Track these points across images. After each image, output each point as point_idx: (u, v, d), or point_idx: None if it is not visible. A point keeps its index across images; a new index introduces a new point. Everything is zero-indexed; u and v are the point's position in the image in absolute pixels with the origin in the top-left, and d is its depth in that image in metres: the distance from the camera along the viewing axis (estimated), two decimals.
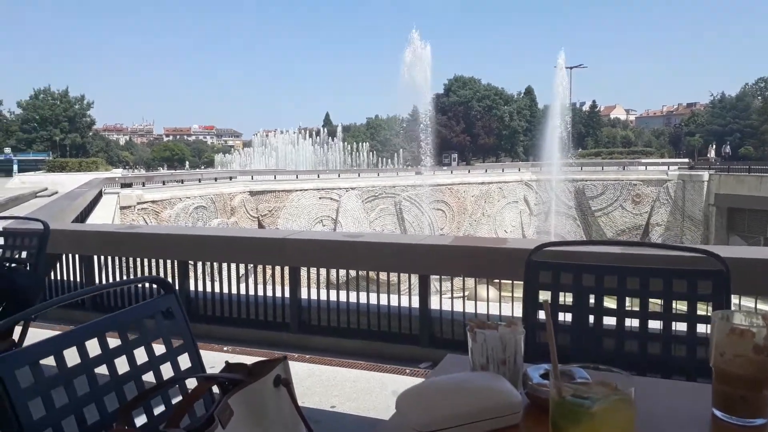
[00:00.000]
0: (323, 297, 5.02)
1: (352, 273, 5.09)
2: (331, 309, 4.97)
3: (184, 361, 1.25)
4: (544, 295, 1.47)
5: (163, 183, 22.47)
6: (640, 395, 1.10)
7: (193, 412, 1.16)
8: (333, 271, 5.11)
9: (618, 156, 43.39)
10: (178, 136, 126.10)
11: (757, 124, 62.54)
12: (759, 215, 26.59)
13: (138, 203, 19.10)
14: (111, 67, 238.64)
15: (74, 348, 1.04)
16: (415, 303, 4.69)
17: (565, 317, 1.52)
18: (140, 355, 1.17)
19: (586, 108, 79.46)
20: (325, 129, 57.62)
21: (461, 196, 30.81)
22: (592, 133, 74.25)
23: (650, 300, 1.47)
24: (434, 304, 4.66)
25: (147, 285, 4.55)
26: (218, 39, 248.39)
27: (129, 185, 21.28)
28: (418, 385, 0.96)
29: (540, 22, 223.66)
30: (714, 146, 48.30)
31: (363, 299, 4.89)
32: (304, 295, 5.10)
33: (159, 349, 1.21)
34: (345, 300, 5.00)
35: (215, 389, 1.08)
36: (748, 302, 3.81)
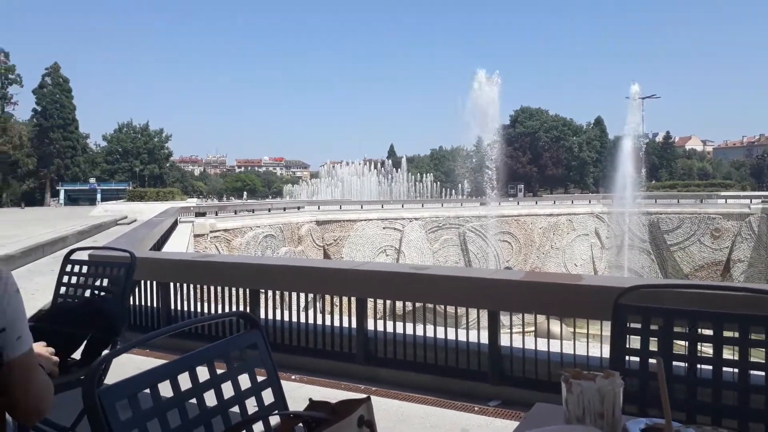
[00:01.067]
0: (389, 329, 4.99)
1: (424, 306, 5.05)
2: (398, 341, 4.93)
3: (267, 396, 1.27)
4: (635, 342, 1.40)
5: (235, 212, 23.26)
6: None
7: None
8: (399, 303, 5.10)
9: (695, 189, 41.44)
10: (249, 167, 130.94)
11: None
12: None
13: (211, 231, 19.80)
14: (188, 101, 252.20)
15: (167, 380, 1.07)
16: (484, 338, 4.59)
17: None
18: (227, 389, 1.19)
19: (659, 139, 76.71)
20: (390, 160, 58.28)
21: (528, 227, 30.16)
22: (666, 164, 71.54)
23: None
24: (504, 340, 4.54)
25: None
26: (288, 73, 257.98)
27: (203, 214, 22.14)
28: None
29: (611, 52, 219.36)
30: None
31: (430, 332, 4.84)
32: (370, 326, 5.10)
33: (244, 382, 1.23)
34: (412, 333, 4.96)
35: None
36: None
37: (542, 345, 4.38)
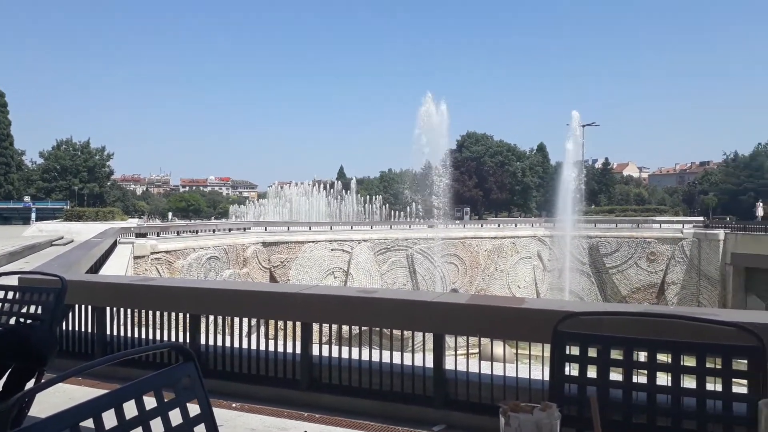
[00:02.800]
0: (335, 354, 4.93)
1: (370, 330, 5.01)
2: (343, 367, 4.87)
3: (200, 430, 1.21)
4: (573, 369, 1.42)
5: (178, 233, 22.65)
6: None
7: None
8: (345, 327, 5.04)
9: (632, 213, 43.22)
10: (194, 187, 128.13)
11: None
12: None
13: (152, 253, 19.19)
14: (132, 119, 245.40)
15: (91, 419, 1.01)
16: (429, 362, 4.59)
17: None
18: (157, 426, 1.13)
19: (598, 165, 79.87)
20: (339, 182, 58.27)
21: (474, 250, 30.68)
22: (605, 190, 74.40)
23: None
24: (449, 363, 4.55)
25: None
26: (234, 93, 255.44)
27: (144, 235, 21.47)
28: None
29: (553, 80, 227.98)
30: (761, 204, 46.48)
31: (375, 357, 4.80)
32: (315, 351, 5.02)
33: (176, 417, 1.18)
34: (357, 358, 4.91)
35: None
36: None
37: (486, 368, 4.42)
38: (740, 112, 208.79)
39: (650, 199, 80.00)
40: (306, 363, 4.94)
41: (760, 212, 45.50)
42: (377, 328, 5.07)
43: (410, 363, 4.66)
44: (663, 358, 1.48)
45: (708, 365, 1.41)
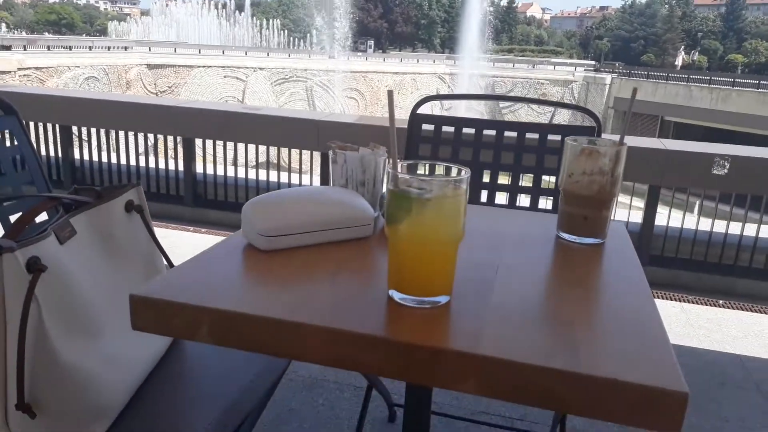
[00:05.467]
0: (220, 172, 4.89)
1: (257, 155, 4.96)
2: (229, 185, 4.87)
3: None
4: (424, 149, 1.47)
5: (48, 48, 20.28)
6: (492, 222, 1.15)
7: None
8: (237, 152, 4.96)
9: (530, 54, 43.96)
10: None
11: (660, 32, 65.01)
12: (650, 119, 28.40)
13: (19, 69, 17.23)
14: None
15: None
16: (317, 182, 4.67)
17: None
18: None
19: (504, 3, 78.74)
20: (233, 1, 53.50)
21: (375, 85, 30.28)
22: (507, 29, 74.27)
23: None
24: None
25: None
26: None
27: (8, 48, 19.05)
28: (267, 194, 0.94)
29: None
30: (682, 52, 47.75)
31: (262, 176, 4.82)
32: (199, 169, 4.95)
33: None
34: (243, 177, 4.92)
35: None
36: None
37: None
38: None
39: (549, 41, 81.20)
40: (189, 180, 4.88)
41: (679, 61, 47.31)
42: (267, 154, 5.01)
43: (297, 182, 4.73)
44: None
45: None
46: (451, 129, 1.58)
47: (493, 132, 1.49)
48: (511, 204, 1.53)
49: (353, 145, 1.00)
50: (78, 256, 0.89)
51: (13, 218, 1.05)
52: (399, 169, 0.68)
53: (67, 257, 0.86)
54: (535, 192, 1.50)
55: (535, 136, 1.50)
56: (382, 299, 0.74)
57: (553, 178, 1.53)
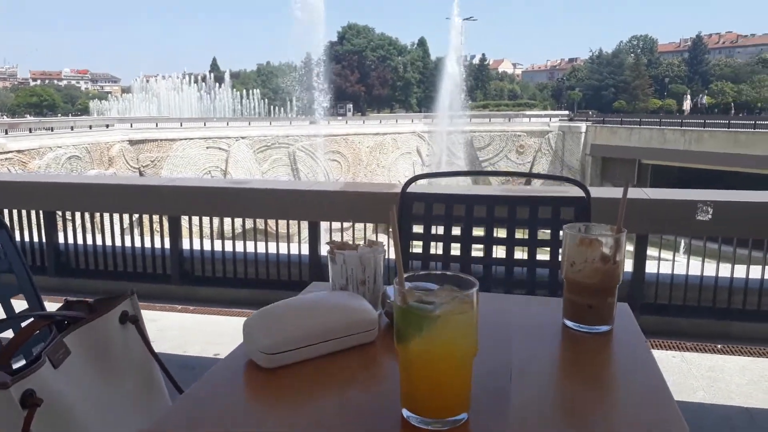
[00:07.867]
0: (207, 247, 4.84)
1: (244, 225, 4.92)
2: (216, 259, 4.80)
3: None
4: (417, 228, 1.47)
5: (30, 131, 20.43)
6: (498, 310, 1.13)
7: (30, 354, 1.04)
8: (224, 224, 4.93)
9: (504, 108, 45.14)
10: (47, 81, 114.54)
11: (629, 80, 67.42)
12: (627, 164, 29.02)
13: (1, 152, 17.29)
14: None
15: None
16: (305, 250, 4.64)
17: (437, 248, 1.53)
18: None
19: (476, 61, 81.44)
20: (212, 75, 54.71)
21: (356, 147, 30.79)
22: (481, 86, 76.53)
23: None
24: (324, 250, 4.63)
25: None
26: None
27: None
28: (268, 307, 0.91)
29: None
30: (688, 98, 48.46)
31: (250, 248, 4.77)
32: (186, 245, 4.89)
33: None
34: (231, 250, 4.86)
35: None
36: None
37: None
38: (607, 10, 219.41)
39: (522, 94, 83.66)
40: (176, 257, 4.82)
41: (687, 106, 48.30)
42: (253, 223, 4.99)
43: (285, 252, 4.69)
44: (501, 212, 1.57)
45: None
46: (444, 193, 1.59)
47: (484, 206, 1.50)
48: (507, 276, 1.52)
49: (351, 244, 0.99)
50: (73, 377, 0.86)
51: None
52: (405, 286, 0.67)
53: (63, 381, 0.83)
54: (531, 264, 1.49)
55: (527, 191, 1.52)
56: (394, 418, 0.71)
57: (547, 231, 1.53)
